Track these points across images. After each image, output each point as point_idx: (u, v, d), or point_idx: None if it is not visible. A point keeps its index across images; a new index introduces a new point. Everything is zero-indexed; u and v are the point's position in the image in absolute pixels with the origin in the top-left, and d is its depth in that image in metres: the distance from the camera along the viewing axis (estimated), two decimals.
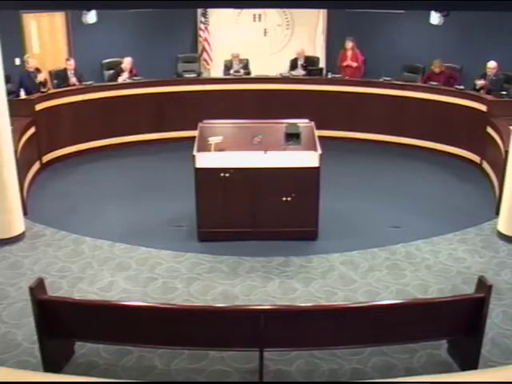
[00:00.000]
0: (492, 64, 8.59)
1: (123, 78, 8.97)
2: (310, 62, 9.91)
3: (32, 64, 8.49)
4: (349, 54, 9.54)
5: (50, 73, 9.05)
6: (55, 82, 8.85)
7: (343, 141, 8.88)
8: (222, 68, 9.94)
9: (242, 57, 9.71)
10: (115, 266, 5.52)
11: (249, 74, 9.60)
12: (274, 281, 5.28)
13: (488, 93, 8.64)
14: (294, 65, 9.91)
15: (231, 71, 9.54)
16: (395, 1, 5.45)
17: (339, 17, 10.05)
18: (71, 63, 8.81)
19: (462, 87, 8.60)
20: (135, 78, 9.01)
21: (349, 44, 9.48)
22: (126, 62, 9.02)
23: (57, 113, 8.17)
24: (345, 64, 9.54)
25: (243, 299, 4.98)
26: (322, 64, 10.30)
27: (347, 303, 4.75)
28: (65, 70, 8.84)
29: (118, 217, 6.50)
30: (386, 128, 8.89)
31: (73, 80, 8.74)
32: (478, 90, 8.76)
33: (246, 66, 9.69)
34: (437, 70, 8.99)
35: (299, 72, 9.68)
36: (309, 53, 10.13)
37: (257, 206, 5.87)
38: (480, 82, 8.58)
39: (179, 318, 3.95)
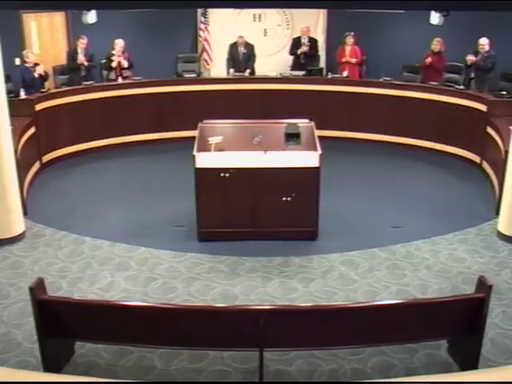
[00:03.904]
0: (484, 40, 8.66)
1: (116, 62, 8.97)
2: (313, 43, 9.91)
3: (30, 59, 8.51)
4: (347, 49, 9.48)
5: (54, 69, 9.11)
6: (60, 77, 8.96)
7: (343, 141, 8.88)
8: (222, 65, 9.96)
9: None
10: (115, 266, 5.52)
11: (253, 60, 9.66)
12: (273, 281, 5.28)
13: (478, 69, 8.70)
14: (296, 43, 9.85)
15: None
16: (395, 1, 5.45)
17: (339, 17, 10.03)
18: (84, 41, 8.90)
19: (462, 87, 8.62)
20: (130, 70, 9.09)
21: (350, 40, 9.43)
22: (119, 45, 9.02)
23: (57, 113, 8.17)
24: (343, 60, 9.48)
25: (243, 299, 4.98)
26: (322, 63, 10.29)
27: (347, 303, 4.75)
28: (75, 49, 8.97)
29: (118, 217, 6.50)
30: (385, 128, 8.89)
31: (81, 58, 8.83)
32: (470, 67, 8.84)
33: (251, 50, 9.70)
34: (436, 48, 9.06)
35: (304, 54, 9.73)
36: None
37: (257, 205, 5.86)
38: (470, 58, 8.66)
39: (179, 317, 3.96)
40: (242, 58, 9.67)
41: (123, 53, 9.08)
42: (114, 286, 5.18)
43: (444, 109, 8.45)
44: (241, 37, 9.66)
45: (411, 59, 9.40)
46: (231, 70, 9.54)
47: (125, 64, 9.05)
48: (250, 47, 9.70)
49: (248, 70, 9.54)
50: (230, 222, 5.91)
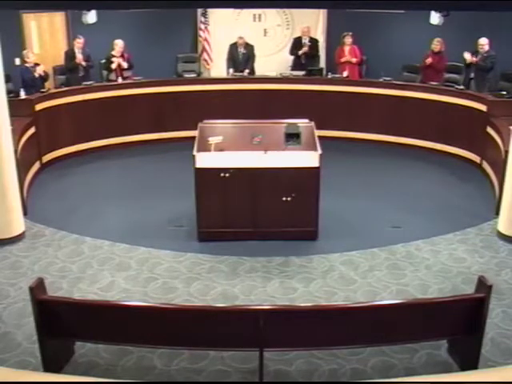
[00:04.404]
0: (483, 40, 8.65)
1: (115, 63, 8.96)
2: (314, 43, 9.90)
3: (30, 59, 8.50)
4: (346, 49, 9.46)
5: (54, 69, 9.13)
6: (60, 77, 9.02)
7: (343, 141, 8.88)
8: (223, 65, 9.97)
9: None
10: (115, 266, 5.52)
11: (253, 60, 9.66)
12: (273, 281, 5.28)
13: (478, 69, 8.72)
14: (297, 43, 9.86)
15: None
16: (395, 1, 5.45)
17: (339, 17, 10.04)
18: (80, 41, 8.91)
19: (462, 87, 8.62)
20: (130, 71, 9.08)
21: (348, 40, 9.42)
22: (119, 46, 9.00)
23: (57, 113, 8.17)
24: (343, 60, 9.46)
25: (243, 299, 4.98)
26: (322, 63, 10.29)
27: (347, 303, 4.75)
28: (72, 49, 9.00)
29: (118, 217, 6.50)
30: (386, 128, 8.89)
31: (79, 58, 8.85)
32: (469, 66, 8.84)
33: (251, 51, 9.71)
34: (437, 48, 9.06)
35: (305, 54, 9.75)
36: None
37: (257, 206, 5.86)
38: (468, 57, 8.67)
39: (179, 317, 3.95)
40: (241, 58, 9.67)
41: (123, 53, 9.07)
42: (114, 286, 5.18)
43: (444, 109, 8.45)
44: (241, 37, 9.67)
45: (411, 59, 9.40)
46: (231, 70, 9.55)
47: (124, 65, 9.04)
48: (249, 48, 9.70)
49: (247, 70, 9.54)
50: (230, 222, 5.91)
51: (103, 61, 9.21)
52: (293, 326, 3.89)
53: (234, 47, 9.72)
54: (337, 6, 7.69)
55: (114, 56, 9.01)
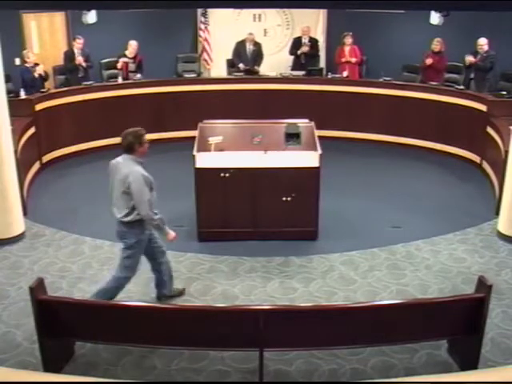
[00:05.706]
0: (483, 41, 8.64)
1: (121, 63, 8.95)
2: (314, 43, 9.88)
3: (30, 59, 8.50)
4: (346, 49, 9.45)
5: (54, 69, 9.13)
6: (60, 77, 9.02)
7: (343, 141, 8.89)
8: (223, 65, 9.98)
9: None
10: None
11: (261, 58, 9.62)
12: (273, 281, 5.28)
13: (477, 69, 8.71)
14: (297, 43, 9.84)
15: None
16: (395, 1, 5.45)
17: (339, 17, 10.04)
18: (80, 41, 8.89)
19: (461, 87, 8.62)
20: (138, 74, 9.06)
21: (348, 40, 9.40)
22: (132, 47, 8.99)
23: (57, 113, 8.17)
24: (343, 60, 9.45)
25: (243, 299, 4.98)
26: (322, 63, 10.29)
27: (347, 303, 4.75)
28: (72, 50, 8.99)
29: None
30: (386, 128, 8.89)
31: (79, 59, 8.86)
32: (469, 67, 8.84)
33: (259, 48, 9.68)
34: (437, 48, 9.04)
35: (305, 54, 9.72)
36: None
37: (257, 206, 5.86)
38: (469, 59, 8.66)
39: (179, 318, 3.96)
40: (250, 55, 9.61)
41: (136, 55, 9.06)
42: None
43: (444, 109, 8.45)
44: (250, 34, 9.60)
45: (411, 59, 9.40)
46: (241, 65, 9.50)
47: (131, 67, 9.02)
48: (258, 45, 9.66)
49: (257, 68, 9.49)
50: (230, 222, 5.91)
51: (105, 60, 9.19)
52: (293, 326, 3.89)
53: (241, 45, 9.63)
54: (337, 6, 7.69)
55: (125, 56, 9.00)
